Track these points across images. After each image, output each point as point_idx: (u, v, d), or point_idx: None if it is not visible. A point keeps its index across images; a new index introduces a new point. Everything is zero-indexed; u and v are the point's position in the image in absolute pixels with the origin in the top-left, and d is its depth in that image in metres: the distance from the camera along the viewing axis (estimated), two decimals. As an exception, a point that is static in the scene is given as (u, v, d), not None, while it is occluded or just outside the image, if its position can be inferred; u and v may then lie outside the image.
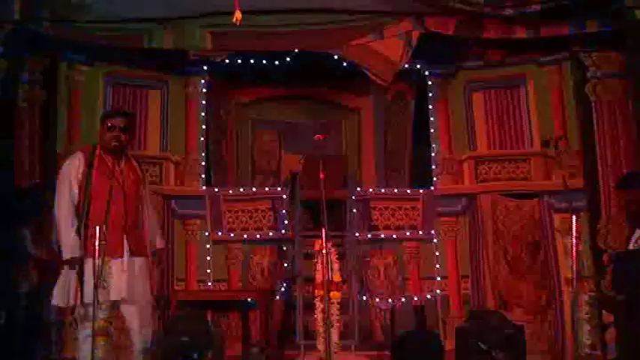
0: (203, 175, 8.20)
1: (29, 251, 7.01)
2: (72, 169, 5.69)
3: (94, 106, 7.80)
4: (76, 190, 5.61)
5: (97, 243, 5.17)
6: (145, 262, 5.67)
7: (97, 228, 5.18)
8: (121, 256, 5.50)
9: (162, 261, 6.05)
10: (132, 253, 5.59)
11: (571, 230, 5.77)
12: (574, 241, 5.69)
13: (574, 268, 5.68)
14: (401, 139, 9.10)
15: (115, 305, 5.56)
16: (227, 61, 8.13)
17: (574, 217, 5.80)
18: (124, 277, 5.47)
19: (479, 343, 5.98)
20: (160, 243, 5.97)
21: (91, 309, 5.22)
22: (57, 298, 5.64)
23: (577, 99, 7.73)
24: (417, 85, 8.78)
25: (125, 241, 5.56)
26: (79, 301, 5.54)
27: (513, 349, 5.95)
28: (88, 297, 5.32)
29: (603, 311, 7.20)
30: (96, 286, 5.18)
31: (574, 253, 5.70)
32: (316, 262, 5.81)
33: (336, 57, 7.86)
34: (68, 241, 5.59)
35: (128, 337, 5.88)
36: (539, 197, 7.90)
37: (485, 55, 8.32)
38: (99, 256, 5.16)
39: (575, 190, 7.00)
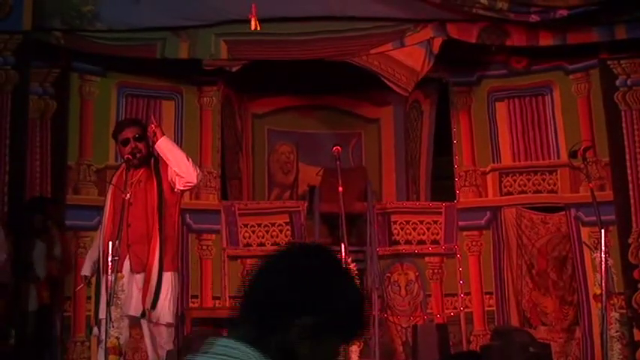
0: (219, 189, 8.20)
1: (40, 267, 7.05)
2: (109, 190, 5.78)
3: (107, 117, 7.83)
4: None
5: (109, 259, 5.22)
6: (145, 279, 5.59)
7: (110, 244, 5.23)
8: (121, 271, 5.50)
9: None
10: (132, 269, 5.57)
11: (600, 244, 5.74)
12: (603, 255, 5.67)
13: (603, 284, 5.65)
14: (416, 150, 9.08)
15: (127, 323, 5.58)
16: (242, 70, 8.14)
17: (603, 231, 5.78)
18: (127, 293, 5.49)
19: (504, 362, 5.96)
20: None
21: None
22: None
23: (606, 108, 7.68)
24: (437, 93, 8.76)
25: (127, 256, 5.56)
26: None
27: (540, 369, 5.92)
28: (103, 313, 5.36)
29: (634, 329, 7.16)
30: (108, 304, 5.22)
31: (603, 269, 5.67)
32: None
33: (355, 66, 7.85)
34: (86, 258, 5.74)
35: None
36: (567, 210, 7.85)
37: (510, 63, 8.30)
38: (111, 272, 5.21)
39: (604, 203, 6.95)
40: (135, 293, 5.57)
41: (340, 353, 1.70)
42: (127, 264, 5.54)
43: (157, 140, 5.62)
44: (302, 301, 1.62)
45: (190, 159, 5.66)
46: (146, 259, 5.56)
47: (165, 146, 5.62)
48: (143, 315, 5.55)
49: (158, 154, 5.64)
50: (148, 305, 5.53)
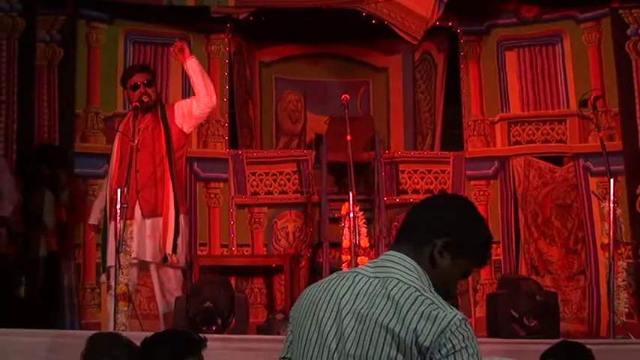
0: (226, 138, 8.18)
1: (49, 215, 7.08)
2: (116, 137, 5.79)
3: (114, 65, 7.77)
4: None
5: (117, 206, 5.23)
6: (163, 221, 5.63)
7: (118, 191, 5.23)
8: (131, 218, 5.52)
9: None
10: (143, 215, 5.60)
11: (609, 194, 5.74)
12: (611, 205, 5.67)
13: (611, 234, 5.66)
14: (429, 102, 9.03)
15: (136, 269, 5.61)
16: (251, 18, 8.07)
17: (612, 181, 5.77)
18: (134, 239, 5.52)
19: (511, 310, 5.99)
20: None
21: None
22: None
23: (616, 57, 7.60)
24: (448, 43, 8.68)
25: (137, 202, 5.58)
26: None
27: (546, 317, 5.95)
28: (111, 260, 5.38)
29: (641, 278, 7.18)
30: (117, 251, 5.24)
31: (611, 218, 5.67)
32: (343, 227, 5.82)
33: (364, 14, 7.77)
34: (93, 208, 5.77)
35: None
36: (575, 160, 7.82)
37: (520, 12, 8.21)
38: (120, 219, 5.22)
39: (613, 153, 6.92)
40: (148, 239, 5.60)
41: (470, 274, 2.32)
42: (137, 210, 5.56)
43: (186, 58, 5.71)
44: (440, 227, 2.20)
45: None
46: (158, 203, 5.60)
47: (196, 66, 5.72)
48: (165, 260, 5.59)
49: (186, 71, 5.70)
50: (169, 249, 5.57)
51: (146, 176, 5.63)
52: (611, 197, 5.70)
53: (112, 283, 5.43)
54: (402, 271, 2.14)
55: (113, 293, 5.37)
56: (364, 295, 2.12)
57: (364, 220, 6.07)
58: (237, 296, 5.97)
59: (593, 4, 7.75)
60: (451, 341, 2.01)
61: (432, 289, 2.13)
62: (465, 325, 2.06)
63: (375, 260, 2.26)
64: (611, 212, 5.67)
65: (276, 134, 9.22)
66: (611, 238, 5.63)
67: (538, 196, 7.96)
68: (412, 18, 7.60)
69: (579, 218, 7.70)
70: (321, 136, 8.32)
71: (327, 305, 2.19)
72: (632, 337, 5.80)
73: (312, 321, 2.19)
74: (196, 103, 5.71)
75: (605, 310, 6.64)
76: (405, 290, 2.08)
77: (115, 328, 5.14)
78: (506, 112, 8.27)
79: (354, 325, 2.10)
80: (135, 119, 5.63)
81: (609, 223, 5.69)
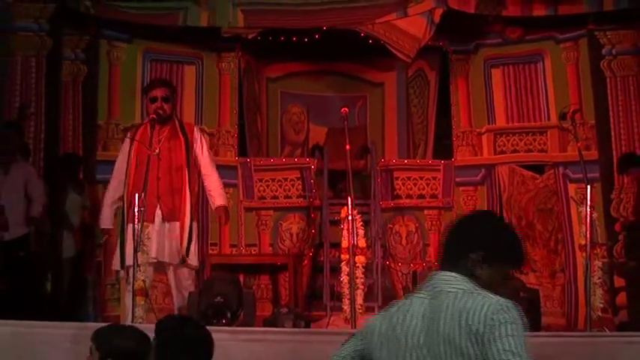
0: (236, 147, 8.18)
1: (74, 217, 7.09)
2: (125, 144, 5.79)
3: (133, 80, 7.81)
4: (125, 164, 5.70)
5: (135, 210, 5.23)
6: (179, 227, 5.66)
7: (136, 195, 5.23)
8: (152, 222, 5.52)
9: (223, 218, 5.98)
10: (164, 219, 5.61)
11: (586, 199, 5.74)
12: (588, 209, 5.66)
13: (588, 235, 5.65)
14: (421, 115, 9.04)
15: (152, 268, 5.62)
16: (258, 37, 8.09)
17: (589, 187, 5.77)
18: (154, 242, 5.51)
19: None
20: (218, 201, 5.91)
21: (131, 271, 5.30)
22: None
23: (592, 74, 7.62)
24: (439, 62, 8.69)
25: (158, 207, 5.58)
26: (117, 266, 5.63)
27: (529, 312, 5.93)
28: (129, 260, 5.38)
29: (615, 276, 7.18)
30: (135, 250, 5.24)
31: (588, 221, 5.67)
32: (342, 229, 5.82)
33: (362, 34, 7.79)
34: (103, 214, 5.75)
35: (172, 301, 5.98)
36: (555, 168, 7.83)
37: (505, 33, 8.21)
38: (138, 221, 5.22)
39: (589, 161, 6.92)
40: (167, 241, 5.61)
41: (510, 276, 2.45)
42: (158, 214, 5.58)
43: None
44: (473, 242, 2.30)
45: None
46: (176, 210, 5.62)
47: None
48: (183, 261, 5.62)
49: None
50: (184, 252, 5.61)
51: (167, 185, 5.65)
52: (588, 202, 5.69)
53: (131, 280, 5.43)
54: (450, 282, 2.26)
55: (131, 289, 5.36)
56: (427, 311, 2.25)
57: (362, 223, 6.06)
58: (246, 292, 5.98)
59: (571, 26, 7.75)
60: (496, 320, 2.13)
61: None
62: (509, 307, 2.18)
63: (426, 282, 2.36)
64: (588, 216, 5.66)
65: (282, 144, 9.24)
66: (588, 239, 5.63)
67: (522, 201, 7.97)
68: (406, 38, 7.62)
69: (559, 221, 7.72)
70: (319, 147, 8.33)
71: (403, 324, 2.30)
72: (606, 330, 5.81)
73: (393, 340, 2.30)
74: (205, 173, 5.84)
75: (583, 305, 6.62)
76: (457, 296, 2.22)
77: (132, 321, 5.14)
78: (492, 124, 8.28)
79: (425, 337, 2.22)
80: (152, 130, 5.63)
81: (586, 225, 5.68)
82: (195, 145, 5.81)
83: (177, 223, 5.69)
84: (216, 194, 5.90)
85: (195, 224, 5.77)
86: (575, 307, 7.38)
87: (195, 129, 6.02)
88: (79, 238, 7.15)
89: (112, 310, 7.26)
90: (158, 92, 5.70)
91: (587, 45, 7.69)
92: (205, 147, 5.96)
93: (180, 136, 5.75)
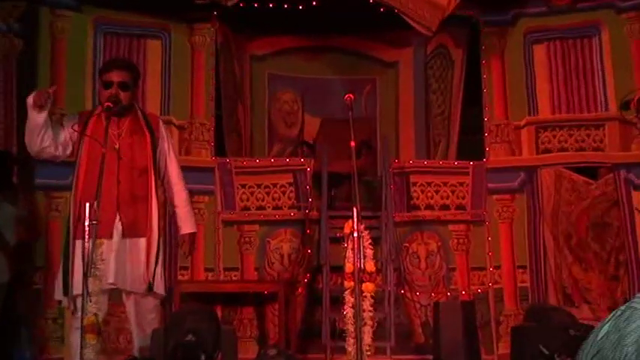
0: (212, 143, 8.18)
1: (8, 232, 7.05)
2: (68, 123, 5.72)
3: (82, 59, 7.81)
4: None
5: (86, 223, 5.18)
6: (145, 245, 5.63)
7: (87, 205, 5.18)
8: (110, 237, 5.48)
9: (187, 248, 5.97)
10: (124, 234, 5.57)
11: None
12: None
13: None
14: (441, 104, 9.05)
15: (108, 296, 5.58)
16: (241, 5, 8.08)
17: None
18: (111, 262, 5.47)
19: (540, 346, 5.97)
20: (186, 226, 5.92)
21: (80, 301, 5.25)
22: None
23: (663, 52, 7.68)
24: (468, 39, 8.70)
25: (117, 219, 5.55)
26: (59, 295, 5.58)
27: (582, 354, 5.93)
28: (78, 287, 5.33)
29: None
30: (85, 275, 5.20)
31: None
32: (346, 248, 5.81)
33: (370, 1, 7.79)
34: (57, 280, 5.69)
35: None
36: (615, 171, 7.84)
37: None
38: (89, 238, 5.17)
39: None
40: (128, 263, 5.56)
41: None
42: (118, 228, 5.53)
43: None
44: None
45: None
46: (142, 223, 5.57)
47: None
48: (150, 288, 5.57)
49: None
50: (151, 276, 5.55)
51: (129, 190, 5.61)
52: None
53: (79, 313, 5.40)
54: None
55: (79, 325, 5.32)
56: None
57: (370, 241, 6.05)
58: (224, 328, 5.95)
59: (636, -9, 7.81)
60: None
61: None
62: None
63: None
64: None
65: (270, 140, 9.24)
66: (658, 262, 5.63)
67: (572, 213, 7.97)
68: (426, 6, 7.63)
69: (620, 239, 7.72)
70: (309, 143, 8.33)
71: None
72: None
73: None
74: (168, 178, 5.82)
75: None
76: None
77: (80, 366, 5.11)
78: (534, 115, 8.31)
79: None
80: (108, 121, 5.59)
81: (655, 245, 5.70)
82: (162, 143, 5.79)
83: (142, 240, 5.64)
84: (185, 215, 5.89)
85: (162, 240, 5.75)
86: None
87: (160, 122, 5.99)
88: (13, 259, 7.11)
89: (54, 351, 7.25)
90: (114, 76, 5.65)
91: (658, 14, 7.75)
92: (172, 147, 5.94)
93: (145, 130, 5.70)
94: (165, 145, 5.80)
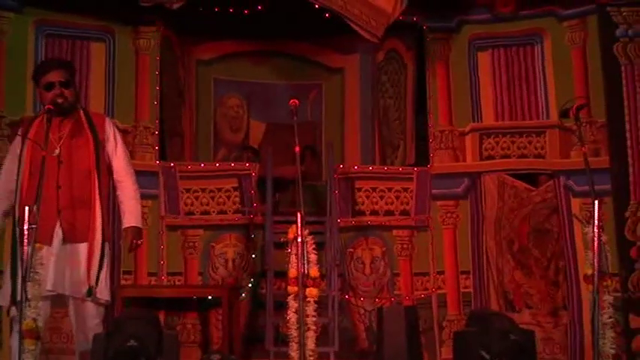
0: (157, 147, 8.12)
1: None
2: (15, 144, 5.66)
3: (23, 61, 7.72)
4: (14, 170, 5.57)
5: (25, 227, 5.13)
6: (86, 249, 5.58)
7: (27, 209, 5.13)
8: (50, 244, 5.43)
9: (130, 242, 5.87)
10: (65, 239, 5.52)
11: (593, 218, 5.80)
12: (596, 230, 5.73)
13: (595, 264, 5.71)
14: (398, 108, 9.08)
15: (49, 302, 5.53)
16: (185, 7, 8.03)
17: (597, 203, 5.83)
18: (51, 268, 5.42)
19: (481, 351, 6.02)
20: (129, 219, 5.86)
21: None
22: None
23: (603, 61, 7.75)
24: (418, 41, 8.73)
25: (58, 224, 5.49)
26: (5, 302, 5.52)
27: (521, 357, 5.99)
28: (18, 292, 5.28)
29: (630, 315, 7.28)
30: (24, 279, 5.14)
31: (596, 246, 5.73)
32: (290, 253, 5.81)
33: (317, 5, 7.79)
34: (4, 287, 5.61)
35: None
36: (555, 178, 7.92)
37: (495, 7, 8.31)
38: (28, 243, 5.12)
39: (598, 170, 7.02)
40: (68, 268, 5.50)
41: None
42: (58, 233, 5.47)
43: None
44: None
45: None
46: (82, 227, 5.51)
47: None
48: (90, 294, 5.51)
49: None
50: (93, 281, 5.49)
51: (70, 194, 5.55)
52: (596, 221, 5.75)
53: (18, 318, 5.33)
54: None
55: (18, 329, 5.26)
56: None
57: (314, 246, 6.06)
58: (166, 333, 5.91)
59: (577, 0, 7.86)
60: None
61: None
62: None
63: None
64: (596, 239, 5.72)
65: (215, 145, 9.21)
66: (596, 268, 5.68)
67: (513, 219, 8.04)
68: (371, 12, 7.66)
69: (560, 245, 7.81)
70: (252, 147, 8.30)
71: None
72: (619, 382, 5.89)
73: None
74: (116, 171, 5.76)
75: (589, 350, 6.71)
76: None
77: (19, 370, 5.05)
78: (477, 121, 8.36)
79: None
80: (48, 123, 5.54)
81: (593, 251, 5.75)
82: (107, 142, 5.74)
83: (83, 245, 5.59)
84: (129, 209, 5.82)
85: (108, 245, 5.69)
86: (581, 352, 7.47)
87: (106, 121, 5.92)
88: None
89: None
90: (54, 76, 5.59)
91: (598, 24, 7.82)
92: (120, 144, 5.87)
93: (87, 131, 5.65)
94: (111, 145, 5.74)
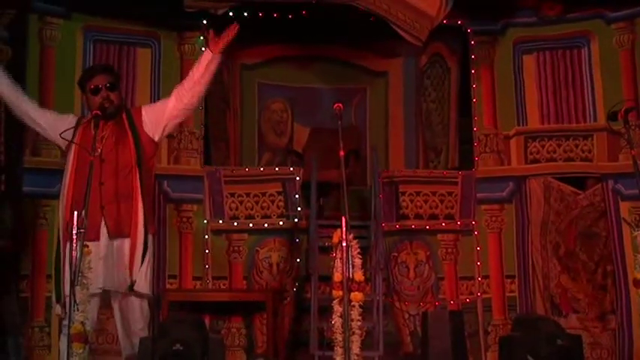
0: (202, 152, 8.16)
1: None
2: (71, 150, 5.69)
3: (72, 66, 7.78)
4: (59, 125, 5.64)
5: (73, 231, 5.16)
6: (130, 243, 5.59)
7: (75, 213, 5.16)
8: (97, 239, 5.45)
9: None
10: (110, 235, 5.54)
11: (642, 222, 5.75)
12: (646, 234, 5.67)
13: (645, 268, 5.66)
14: (441, 112, 9.05)
15: (97, 299, 5.56)
16: (230, 14, 8.08)
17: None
18: (100, 265, 5.44)
19: (528, 356, 5.97)
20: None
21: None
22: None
23: (652, 64, 7.70)
24: (462, 45, 8.70)
25: (102, 222, 5.52)
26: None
27: (569, 363, 5.94)
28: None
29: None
30: (72, 284, 5.18)
31: (645, 250, 5.68)
32: (334, 258, 5.80)
33: (361, 9, 7.79)
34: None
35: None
36: (603, 181, 7.85)
37: (541, 9, 8.27)
38: (76, 246, 5.15)
39: (647, 173, 6.94)
40: (114, 264, 5.52)
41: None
42: (103, 230, 5.50)
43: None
44: None
45: None
46: (125, 222, 5.53)
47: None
48: (131, 287, 5.52)
49: None
50: (135, 275, 5.51)
51: (112, 190, 5.58)
52: (646, 225, 5.71)
53: (66, 321, 5.37)
54: None
55: (66, 332, 5.30)
56: None
57: (359, 250, 6.05)
58: (212, 337, 5.94)
59: (625, 2, 7.80)
60: None
61: None
62: None
63: None
64: (646, 243, 5.67)
65: (259, 149, 9.23)
66: (645, 272, 5.63)
67: (560, 223, 7.98)
68: (416, 15, 7.64)
69: (608, 250, 7.74)
70: (297, 152, 8.30)
71: None
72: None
73: None
74: (177, 97, 5.70)
75: (639, 355, 6.65)
76: None
77: (68, 374, 5.09)
78: (523, 125, 8.32)
79: None
80: (96, 129, 5.58)
81: (643, 255, 5.70)
82: (146, 128, 5.74)
83: (127, 240, 5.62)
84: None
85: (151, 238, 5.70)
86: (630, 357, 7.39)
87: (142, 110, 5.93)
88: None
89: (41, 359, 7.22)
90: (100, 80, 5.64)
91: (646, 26, 7.76)
92: (153, 105, 5.92)
93: (128, 130, 5.68)
94: (149, 117, 5.76)
